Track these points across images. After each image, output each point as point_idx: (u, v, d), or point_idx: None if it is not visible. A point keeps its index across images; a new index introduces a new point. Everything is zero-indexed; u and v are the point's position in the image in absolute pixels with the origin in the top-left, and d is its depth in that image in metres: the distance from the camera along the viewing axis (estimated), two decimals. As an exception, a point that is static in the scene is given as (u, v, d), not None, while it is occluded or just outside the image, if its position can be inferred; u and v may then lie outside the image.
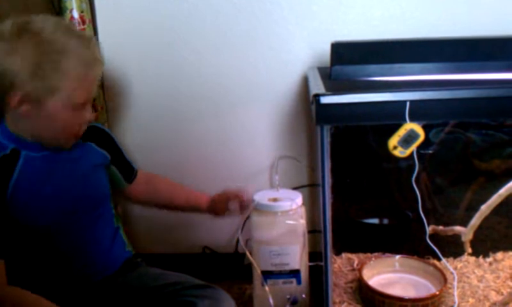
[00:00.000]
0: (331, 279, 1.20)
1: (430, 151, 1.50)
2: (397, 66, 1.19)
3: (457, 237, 1.45)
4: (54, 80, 1.01)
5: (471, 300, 1.36)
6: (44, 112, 1.04)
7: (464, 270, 1.50)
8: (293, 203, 1.36)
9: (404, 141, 1.05)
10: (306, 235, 1.38)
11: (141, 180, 1.38)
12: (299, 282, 1.39)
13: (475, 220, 1.38)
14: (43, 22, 1.03)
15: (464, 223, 1.42)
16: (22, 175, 1.08)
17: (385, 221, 1.71)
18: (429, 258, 1.50)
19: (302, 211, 1.38)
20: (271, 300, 1.36)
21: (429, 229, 1.23)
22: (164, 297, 1.14)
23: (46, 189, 1.11)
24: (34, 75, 0.99)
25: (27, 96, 1.01)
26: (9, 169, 1.07)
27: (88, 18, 1.47)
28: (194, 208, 1.42)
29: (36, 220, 1.09)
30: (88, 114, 1.11)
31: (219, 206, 1.37)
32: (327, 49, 1.22)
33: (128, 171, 1.36)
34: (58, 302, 1.01)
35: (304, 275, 1.40)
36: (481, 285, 1.42)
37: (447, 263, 1.48)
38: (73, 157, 1.16)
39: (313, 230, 1.56)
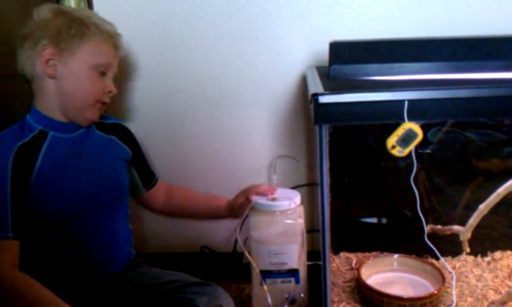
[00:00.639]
0: (330, 278, 1.20)
1: (428, 151, 1.50)
2: (395, 65, 1.18)
3: (455, 236, 1.46)
4: (79, 39, 1.14)
5: (469, 299, 1.37)
6: (70, 72, 1.15)
7: (463, 269, 1.50)
8: (291, 202, 1.36)
9: (403, 140, 1.05)
10: (305, 234, 1.38)
11: (161, 190, 1.46)
12: (297, 281, 1.39)
13: (474, 219, 1.39)
14: (72, 9, 1.26)
15: (463, 222, 1.42)
16: (47, 157, 1.14)
17: (383, 220, 1.71)
18: (427, 257, 1.50)
19: (300, 210, 1.38)
20: (270, 300, 1.36)
21: (427, 228, 1.23)
22: (162, 294, 1.14)
23: (70, 173, 1.16)
24: (62, 33, 1.13)
25: (55, 53, 1.13)
26: (35, 152, 1.13)
27: (86, 17, 1.47)
28: (215, 215, 1.50)
29: (56, 204, 1.13)
30: (110, 85, 1.22)
31: (239, 209, 1.41)
32: (325, 48, 1.22)
33: (148, 177, 1.43)
34: (59, 292, 1.03)
35: (302, 274, 1.40)
36: (479, 284, 1.43)
37: (445, 263, 1.48)
38: (99, 145, 1.26)
39: (312, 229, 1.56)
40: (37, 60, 1.14)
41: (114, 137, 1.31)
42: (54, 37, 1.13)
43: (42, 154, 1.14)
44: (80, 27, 1.15)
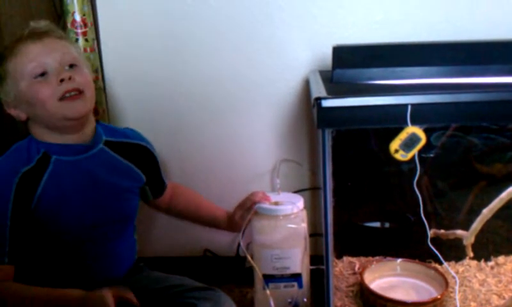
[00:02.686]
0: (333, 282, 1.20)
1: (431, 155, 1.50)
2: (398, 69, 1.18)
3: (458, 241, 1.45)
4: (6, 72, 1.11)
5: (473, 304, 1.36)
6: (25, 101, 1.11)
7: (466, 274, 1.50)
8: (294, 206, 1.36)
9: (406, 145, 1.05)
10: (308, 238, 1.38)
11: (167, 192, 1.42)
12: (300, 286, 1.39)
13: (477, 224, 1.38)
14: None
15: (466, 227, 1.42)
16: (49, 183, 1.10)
17: (387, 225, 1.70)
18: (430, 262, 1.49)
19: (303, 214, 1.38)
20: (272, 304, 1.36)
21: (430, 232, 1.23)
22: (165, 299, 1.14)
23: (72, 199, 1.12)
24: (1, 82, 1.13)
25: (10, 102, 1.13)
26: (38, 179, 1.10)
27: (89, 21, 1.47)
28: (214, 225, 1.48)
29: (56, 231, 1.11)
30: (58, 73, 1.10)
31: (237, 224, 1.40)
32: (328, 52, 1.22)
33: (159, 188, 1.40)
34: None
35: (305, 279, 1.39)
36: (483, 289, 1.42)
37: (448, 267, 1.47)
38: (108, 168, 1.18)
39: (315, 234, 1.56)
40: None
41: (129, 163, 1.24)
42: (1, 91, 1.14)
43: (44, 181, 1.10)
44: (3, 61, 1.13)
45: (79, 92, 1.12)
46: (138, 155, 1.27)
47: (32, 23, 1.15)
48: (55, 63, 1.11)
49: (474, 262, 1.54)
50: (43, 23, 1.16)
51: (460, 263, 1.55)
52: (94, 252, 1.17)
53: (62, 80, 1.10)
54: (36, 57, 1.10)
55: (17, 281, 1.07)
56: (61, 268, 1.15)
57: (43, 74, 1.10)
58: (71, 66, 1.13)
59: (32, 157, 1.11)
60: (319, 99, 1.03)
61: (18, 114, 1.14)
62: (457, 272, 1.50)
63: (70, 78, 1.10)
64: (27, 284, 1.07)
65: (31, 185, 1.09)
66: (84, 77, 1.14)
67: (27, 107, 1.12)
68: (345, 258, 1.62)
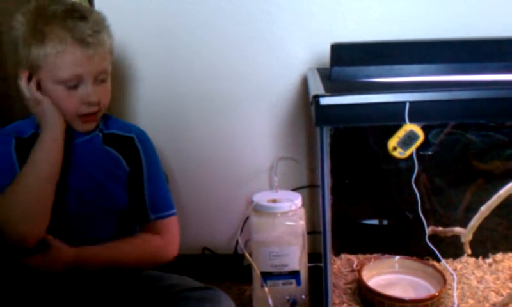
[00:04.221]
0: (331, 280, 1.20)
1: (429, 152, 1.50)
2: (396, 67, 1.19)
3: (456, 238, 1.45)
4: (37, 54, 1.04)
5: (470, 301, 1.36)
6: (42, 88, 1.07)
7: (464, 271, 1.50)
8: (292, 204, 1.36)
9: (404, 142, 1.05)
10: (306, 236, 1.38)
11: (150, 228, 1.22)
12: (298, 283, 1.39)
13: (475, 221, 1.38)
14: (46, 2, 1.09)
15: (464, 224, 1.42)
16: None
17: (385, 222, 1.71)
18: (428, 259, 1.49)
19: (301, 212, 1.38)
20: (271, 301, 1.36)
21: (428, 230, 1.23)
22: (163, 299, 1.14)
23: (65, 178, 1.11)
24: (24, 49, 1.06)
25: (27, 70, 1.07)
26: (27, 149, 1.08)
27: (87, 19, 1.47)
28: None
29: None
30: (88, 94, 1.08)
31: None
32: (326, 50, 1.22)
33: (140, 213, 1.22)
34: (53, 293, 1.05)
35: (303, 276, 1.40)
36: (481, 286, 1.42)
37: (446, 264, 1.47)
38: (95, 158, 1.16)
39: (313, 231, 1.56)
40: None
41: (115, 152, 1.18)
42: (21, 51, 1.07)
43: None
44: (41, 36, 1.04)
45: (97, 111, 1.12)
46: (124, 146, 1.20)
47: (83, 21, 1.07)
48: (90, 77, 1.08)
49: (472, 259, 1.55)
50: (97, 24, 1.10)
51: (458, 260, 1.55)
52: (77, 229, 1.14)
53: (90, 103, 1.09)
54: (77, 68, 1.06)
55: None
56: None
57: (75, 85, 1.07)
58: (102, 80, 1.12)
59: (27, 131, 1.13)
60: (317, 97, 1.03)
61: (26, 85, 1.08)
62: (455, 269, 1.50)
63: (90, 103, 1.09)
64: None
65: (23, 152, 1.08)
66: (107, 93, 1.15)
67: (45, 85, 1.08)
68: (343, 256, 1.62)
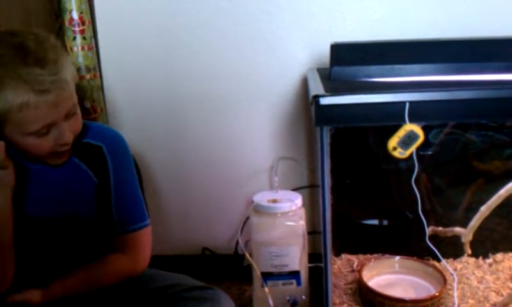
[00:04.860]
0: (331, 280, 1.20)
1: (429, 152, 1.50)
2: (396, 67, 1.19)
3: (456, 238, 1.45)
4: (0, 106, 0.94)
5: (471, 301, 1.36)
6: (9, 139, 0.99)
7: (464, 271, 1.50)
8: (293, 204, 1.36)
9: (404, 142, 1.05)
10: (306, 236, 1.38)
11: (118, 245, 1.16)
12: (298, 283, 1.39)
13: (475, 221, 1.38)
14: (11, 35, 0.97)
15: (464, 224, 1.42)
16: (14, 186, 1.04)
17: (385, 222, 1.70)
18: (428, 259, 1.49)
19: (302, 212, 1.38)
20: (271, 302, 1.36)
21: (428, 230, 1.23)
22: (163, 298, 1.14)
23: (35, 205, 1.08)
24: None
25: None
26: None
27: (87, 19, 1.47)
28: None
29: (20, 220, 1.06)
30: (60, 136, 1.00)
31: None
32: (326, 50, 1.22)
33: (108, 221, 1.16)
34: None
35: (304, 276, 1.40)
36: (481, 286, 1.42)
37: (446, 264, 1.47)
38: (65, 174, 1.09)
39: (313, 231, 1.56)
40: None
41: (82, 164, 1.11)
42: None
43: None
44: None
45: (69, 146, 1.04)
46: (91, 155, 1.13)
47: (40, 67, 0.94)
48: (60, 120, 0.99)
49: (472, 259, 1.55)
50: (51, 56, 0.96)
51: (458, 260, 1.55)
52: (57, 253, 1.12)
53: (64, 143, 1.02)
54: (45, 119, 0.96)
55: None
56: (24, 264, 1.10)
57: (46, 132, 0.99)
58: (73, 114, 1.03)
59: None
60: (317, 97, 1.03)
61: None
62: (455, 270, 1.50)
63: (69, 141, 1.03)
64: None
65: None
66: (79, 121, 1.06)
67: (12, 137, 0.99)
68: (343, 256, 1.62)
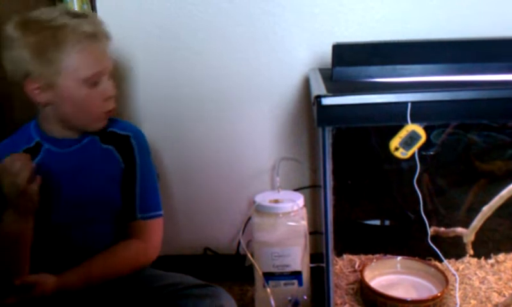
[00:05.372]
0: (333, 280, 1.20)
1: (431, 153, 1.50)
2: (398, 67, 1.19)
3: (458, 239, 1.45)
4: (56, 59, 1.04)
5: (473, 301, 1.36)
6: (61, 95, 1.07)
7: (466, 271, 1.50)
8: (294, 204, 1.36)
9: (406, 143, 1.05)
10: (308, 236, 1.38)
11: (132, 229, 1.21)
12: (300, 283, 1.39)
13: (477, 221, 1.38)
14: (41, 11, 1.08)
15: (466, 225, 1.42)
16: (40, 168, 1.08)
17: (387, 222, 1.70)
18: (430, 260, 1.49)
19: (303, 212, 1.38)
20: (273, 302, 1.36)
21: (430, 230, 1.23)
22: (164, 297, 1.14)
23: (64, 187, 1.12)
24: (38, 59, 1.03)
25: (39, 82, 1.05)
26: (32, 158, 1.07)
27: (89, 19, 1.47)
28: None
29: (48, 214, 1.11)
30: (107, 89, 1.12)
31: None
32: (328, 50, 1.22)
33: (127, 209, 1.21)
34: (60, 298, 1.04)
35: (305, 276, 1.40)
36: (483, 287, 1.42)
37: (448, 265, 1.47)
38: (96, 160, 1.17)
39: (315, 231, 1.56)
40: (24, 87, 1.07)
41: (110, 147, 1.20)
42: (30, 65, 1.04)
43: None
44: (55, 48, 1.04)
45: (113, 105, 1.16)
46: (121, 143, 1.21)
47: (84, 18, 1.09)
48: (106, 72, 1.12)
49: (474, 260, 1.55)
50: (96, 18, 1.13)
51: (460, 260, 1.55)
52: (83, 240, 1.16)
53: (109, 97, 1.13)
54: (97, 64, 1.09)
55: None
56: (46, 250, 1.14)
57: (95, 83, 1.10)
58: (109, 75, 1.14)
59: (33, 138, 1.14)
60: (319, 97, 1.03)
61: (38, 96, 1.07)
62: (457, 270, 1.50)
63: (109, 98, 1.13)
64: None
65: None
66: (115, 91, 1.16)
67: (57, 105, 1.09)
68: (345, 256, 1.62)
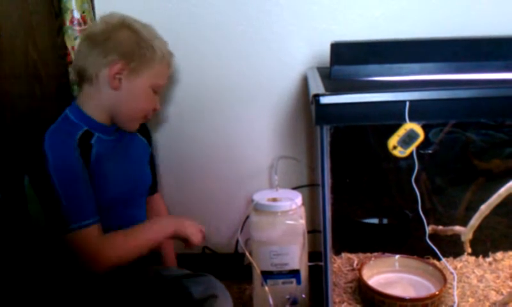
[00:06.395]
0: (331, 279, 1.20)
1: (430, 151, 1.50)
2: (396, 66, 1.19)
3: (456, 237, 1.45)
4: (148, 61, 1.20)
5: (471, 300, 1.37)
6: (132, 88, 1.20)
7: (464, 270, 1.50)
8: (293, 203, 1.36)
9: (404, 141, 1.05)
10: (306, 235, 1.38)
11: (153, 201, 1.46)
12: (298, 282, 1.39)
13: (475, 220, 1.39)
14: (133, 20, 1.25)
15: (464, 223, 1.42)
16: (94, 155, 1.17)
17: (385, 221, 1.71)
18: (428, 258, 1.50)
19: (302, 211, 1.38)
20: (271, 301, 1.36)
21: (428, 229, 1.23)
22: (158, 285, 1.15)
23: (111, 170, 1.20)
24: (134, 53, 1.18)
25: (124, 69, 1.17)
26: (88, 147, 1.16)
27: (89, 18, 1.47)
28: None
29: (99, 195, 1.16)
30: (158, 103, 1.28)
31: None
32: (326, 49, 1.22)
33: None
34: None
35: (304, 275, 1.40)
36: (481, 285, 1.42)
37: (446, 263, 1.48)
38: (132, 145, 1.32)
39: (313, 230, 1.56)
40: (104, 69, 1.17)
41: (142, 137, 1.38)
42: (126, 55, 1.17)
43: (94, 149, 1.18)
44: (149, 50, 1.20)
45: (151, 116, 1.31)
46: (145, 131, 1.41)
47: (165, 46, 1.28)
48: (162, 87, 1.30)
49: (472, 258, 1.55)
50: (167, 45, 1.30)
51: (458, 259, 1.55)
52: (121, 221, 1.20)
53: (155, 109, 1.28)
54: (165, 77, 1.29)
55: None
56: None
57: (156, 92, 1.26)
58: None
59: (80, 125, 1.18)
60: (317, 96, 1.03)
61: (114, 81, 1.17)
62: (455, 268, 1.50)
63: (155, 110, 1.29)
64: None
65: (85, 149, 1.15)
66: None
67: (122, 94, 1.19)
68: (343, 254, 1.62)
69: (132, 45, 1.18)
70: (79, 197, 1.10)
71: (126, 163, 1.27)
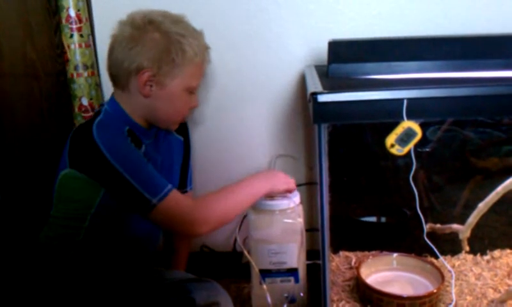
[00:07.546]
0: (329, 277, 1.20)
1: (427, 149, 1.50)
2: (394, 64, 1.19)
3: (454, 235, 1.46)
4: (179, 65, 1.16)
5: (468, 298, 1.37)
6: (165, 94, 1.18)
7: (462, 268, 1.50)
8: (291, 201, 1.36)
9: (402, 139, 1.05)
10: (304, 233, 1.38)
11: None
12: (297, 280, 1.39)
13: (473, 218, 1.39)
14: (163, 16, 1.20)
15: (462, 221, 1.43)
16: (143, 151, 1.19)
17: (383, 219, 1.71)
18: (426, 256, 1.50)
19: (300, 209, 1.38)
20: (269, 299, 1.36)
21: (426, 227, 1.23)
22: (161, 289, 1.15)
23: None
24: (162, 59, 1.14)
25: (154, 76, 1.15)
26: (139, 139, 1.19)
27: (84, 16, 1.47)
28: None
29: None
30: (196, 100, 1.27)
31: None
32: (324, 47, 1.22)
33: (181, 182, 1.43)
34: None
35: (302, 273, 1.40)
36: (479, 283, 1.43)
37: (444, 261, 1.48)
38: (169, 147, 1.33)
39: (311, 228, 1.56)
40: (133, 78, 1.15)
41: (179, 136, 1.39)
42: (154, 62, 1.14)
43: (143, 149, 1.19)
44: (179, 54, 1.16)
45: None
46: (184, 130, 1.42)
47: (201, 34, 1.25)
48: (197, 86, 1.26)
49: (470, 256, 1.55)
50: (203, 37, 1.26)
51: (456, 257, 1.55)
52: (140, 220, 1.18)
53: (193, 107, 1.28)
54: (200, 77, 1.25)
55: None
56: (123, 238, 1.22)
57: (191, 93, 1.23)
58: None
59: (124, 123, 1.18)
60: (314, 94, 1.03)
61: (145, 88, 1.16)
62: (453, 266, 1.50)
63: (193, 107, 1.28)
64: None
65: (135, 141, 1.16)
66: None
67: (155, 100, 1.18)
68: (341, 253, 1.62)
69: (160, 50, 1.15)
70: (147, 174, 1.10)
71: (157, 168, 1.22)
